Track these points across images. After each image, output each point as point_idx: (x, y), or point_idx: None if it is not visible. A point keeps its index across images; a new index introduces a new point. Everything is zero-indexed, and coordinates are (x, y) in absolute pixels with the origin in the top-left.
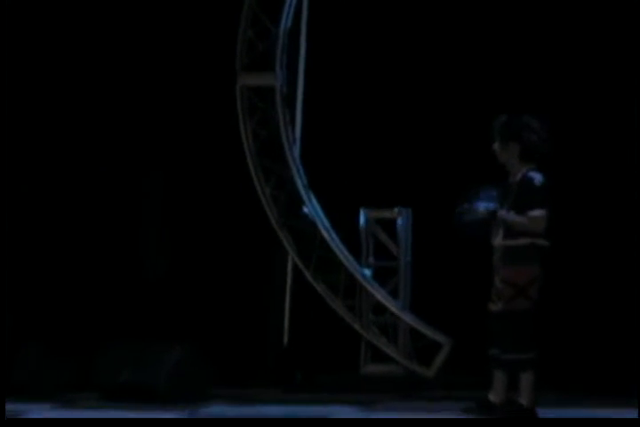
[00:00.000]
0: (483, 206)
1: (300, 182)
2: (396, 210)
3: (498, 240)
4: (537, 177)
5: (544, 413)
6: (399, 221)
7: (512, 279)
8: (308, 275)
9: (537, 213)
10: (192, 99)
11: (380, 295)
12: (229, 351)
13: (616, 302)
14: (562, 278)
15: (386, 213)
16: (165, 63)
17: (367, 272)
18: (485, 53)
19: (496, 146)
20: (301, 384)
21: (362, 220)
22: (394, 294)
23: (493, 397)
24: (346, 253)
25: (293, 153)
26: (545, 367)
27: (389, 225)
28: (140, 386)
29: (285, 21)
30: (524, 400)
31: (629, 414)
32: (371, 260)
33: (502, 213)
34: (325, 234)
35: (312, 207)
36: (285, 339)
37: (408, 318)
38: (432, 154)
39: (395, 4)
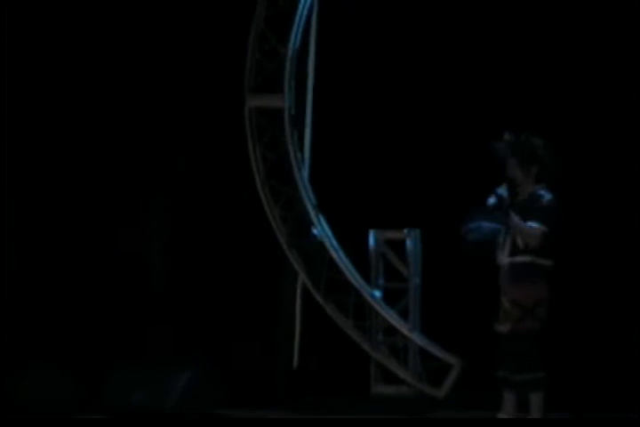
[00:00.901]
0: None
1: (310, 204)
2: (405, 231)
3: (504, 258)
4: (547, 195)
5: None
6: (408, 242)
7: (520, 300)
8: (317, 296)
9: (538, 226)
10: (201, 121)
11: (390, 316)
12: (239, 373)
13: (620, 320)
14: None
15: (395, 235)
16: (174, 85)
17: (377, 293)
18: (494, 74)
19: (513, 164)
20: (311, 406)
21: (371, 241)
22: (404, 314)
23: (504, 417)
24: (355, 274)
25: (302, 174)
26: (555, 387)
27: (399, 246)
28: (150, 408)
29: (294, 43)
30: None
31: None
32: (380, 281)
33: (513, 217)
34: (335, 255)
35: (321, 228)
36: (295, 360)
37: (418, 339)
38: (441, 175)
39: (401, 25)
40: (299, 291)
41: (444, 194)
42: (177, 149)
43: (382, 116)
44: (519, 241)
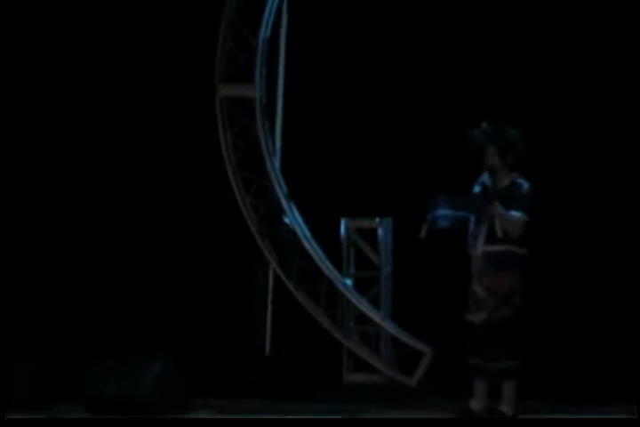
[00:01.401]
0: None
1: (281, 192)
2: (376, 220)
3: (479, 247)
4: (525, 184)
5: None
6: (380, 231)
7: (495, 288)
8: (289, 285)
9: (519, 215)
10: (172, 110)
11: (362, 305)
12: (212, 362)
13: (602, 308)
14: (545, 285)
15: (366, 223)
16: (144, 74)
17: (348, 282)
18: (464, 61)
19: (491, 150)
20: (284, 394)
21: (342, 229)
22: (375, 303)
23: (475, 405)
24: (327, 262)
25: (273, 163)
26: (528, 375)
27: (370, 235)
28: (124, 398)
29: (265, 32)
30: (506, 408)
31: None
32: (352, 269)
33: (497, 205)
34: (306, 244)
35: (293, 217)
36: (267, 349)
37: (390, 328)
38: (412, 164)
39: (374, 14)
40: (270, 279)
41: (416, 182)
42: (148, 139)
43: (353, 105)
44: (498, 230)
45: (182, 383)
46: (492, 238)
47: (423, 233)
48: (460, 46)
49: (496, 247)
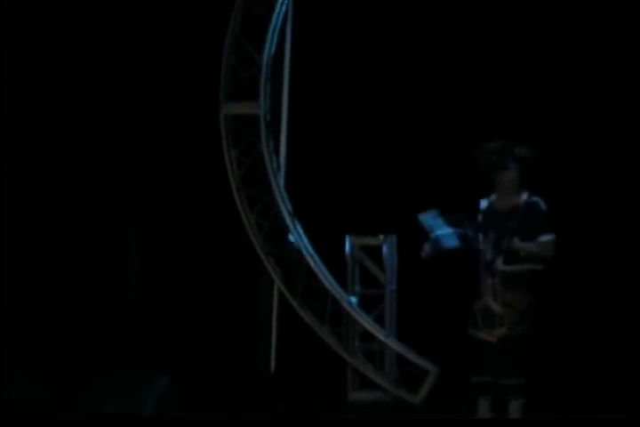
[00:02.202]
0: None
1: (285, 210)
2: (381, 237)
3: (497, 266)
4: (540, 202)
5: None
6: (384, 249)
7: (514, 304)
8: (293, 303)
9: (549, 238)
10: (177, 127)
11: (367, 323)
12: (216, 380)
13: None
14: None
15: (371, 241)
16: (150, 91)
17: (353, 300)
18: (471, 82)
19: (511, 169)
20: (288, 412)
21: (347, 247)
22: (380, 321)
23: None
24: (331, 280)
25: (278, 181)
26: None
27: (375, 252)
28: (126, 416)
29: (269, 49)
30: None
31: None
32: (356, 287)
33: (513, 243)
34: (311, 261)
35: (297, 235)
36: (272, 367)
37: (394, 346)
38: (417, 181)
39: (378, 32)
40: (275, 297)
41: (420, 200)
42: (153, 156)
43: (357, 123)
44: (522, 252)
45: (186, 401)
46: (512, 258)
47: (427, 253)
48: (463, 64)
49: (517, 267)
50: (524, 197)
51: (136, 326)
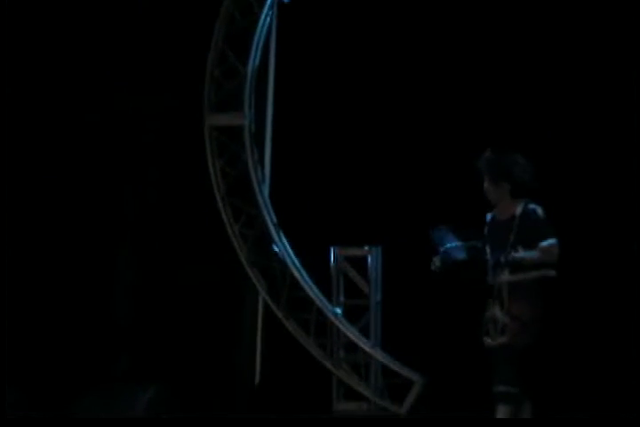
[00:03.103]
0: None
1: (270, 221)
2: (366, 248)
3: (503, 277)
4: (538, 208)
5: None
6: (369, 260)
7: (519, 315)
8: (278, 313)
9: (550, 242)
10: (162, 139)
11: (351, 334)
12: (201, 390)
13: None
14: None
15: (356, 252)
16: (135, 101)
17: (338, 310)
18: (454, 90)
19: (486, 185)
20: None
21: (332, 258)
22: (365, 331)
23: None
24: (316, 291)
25: (263, 192)
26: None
27: (360, 263)
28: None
29: (253, 61)
30: None
31: None
32: (341, 298)
33: (512, 256)
34: (296, 272)
35: (282, 246)
36: (257, 377)
37: (379, 356)
38: (402, 192)
39: (362, 44)
40: (260, 308)
41: (405, 211)
42: (140, 167)
43: (342, 133)
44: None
45: (171, 412)
46: (518, 267)
47: (437, 266)
48: (452, 74)
49: (523, 276)
50: (521, 206)
51: (122, 337)
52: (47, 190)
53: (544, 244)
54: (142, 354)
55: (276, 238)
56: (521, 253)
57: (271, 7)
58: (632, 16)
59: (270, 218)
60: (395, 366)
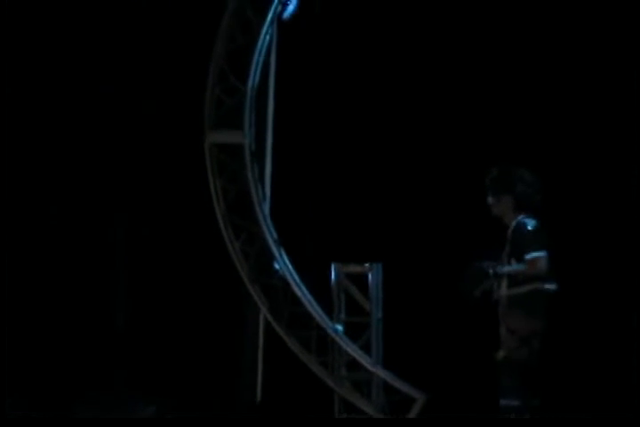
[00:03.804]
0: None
1: (271, 238)
2: (367, 265)
3: (502, 292)
4: (530, 222)
5: None
6: (370, 277)
7: (516, 329)
8: (280, 331)
9: (533, 255)
10: (162, 157)
11: (353, 351)
12: (202, 407)
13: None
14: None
15: (357, 269)
16: (134, 121)
17: (339, 328)
18: (459, 103)
19: (490, 200)
20: None
21: (333, 275)
22: (366, 349)
23: None
24: (317, 308)
25: (263, 209)
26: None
27: (361, 280)
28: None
29: (253, 79)
30: None
31: None
32: (342, 315)
33: (499, 269)
34: (297, 290)
35: (283, 263)
36: (259, 395)
37: (381, 374)
38: (402, 209)
39: (361, 61)
40: (261, 326)
41: (406, 228)
42: (139, 186)
43: (341, 151)
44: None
45: None
46: (513, 281)
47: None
48: (449, 86)
49: (518, 289)
50: (517, 219)
51: (122, 354)
52: (43, 201)
53: (527, 257)
54: (141, 372)
55: (277, 256)
56: (507, 267)
57: (271, 25)
58: (632, 19)
59: (271, 235)
60: (397, 383)
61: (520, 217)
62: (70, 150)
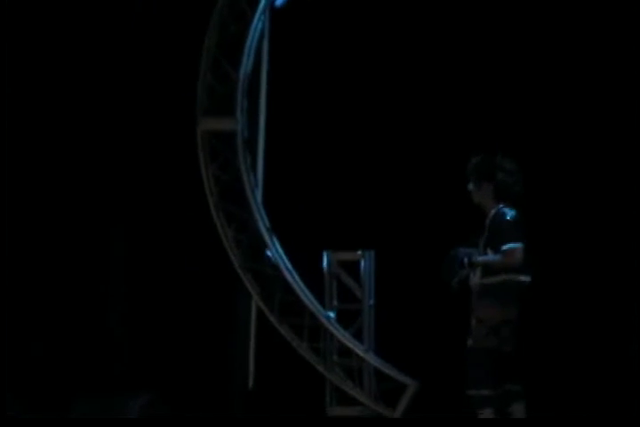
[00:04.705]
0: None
1: (263, 226)
2: (359, 252)
3: (475, 279)
4: (509, 212)
5: None
6: (362, 264)
7: (486, 319)
8: (271, 318)
9: (509, 246)
10: (153, 143)
11: (345, 338)
12: (194, 395)
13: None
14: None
15: (349, 256)
16: (125, 107)
17: (331, 315)
18: (447, 96)
19: (470, 186)
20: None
21: (325, 262)
22: (358, 336)
23: None
24: (309, 295)
25: (255, 197)
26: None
27: (353, 267)
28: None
29: (246, 65)
30: None
31: None
32: (334, 302)
33: (475, 258)
34: (289, 277)
35: (275, 250)
36: (250, 382)
37: (373, 360)
38: (395, 196)
39: (355, 48)
40: (253, 313)
41: (398, 215)
42: (130, 174)
43: (334, 138)
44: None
45: (164, 416)
46: (488, 270)
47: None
48: (444, 79)
49: (492, 279)
50: (496, 208)
51: (115, 344)
52: (37, 198)
53: (504, 247)
54: (134, 361)
55: (270, 243)
56: (483, 256)
57: (263, 12)
58: (632, 19)
59: (263, 223)
60: (388, 370)
61: (500, 206)
62: (72, 132)
